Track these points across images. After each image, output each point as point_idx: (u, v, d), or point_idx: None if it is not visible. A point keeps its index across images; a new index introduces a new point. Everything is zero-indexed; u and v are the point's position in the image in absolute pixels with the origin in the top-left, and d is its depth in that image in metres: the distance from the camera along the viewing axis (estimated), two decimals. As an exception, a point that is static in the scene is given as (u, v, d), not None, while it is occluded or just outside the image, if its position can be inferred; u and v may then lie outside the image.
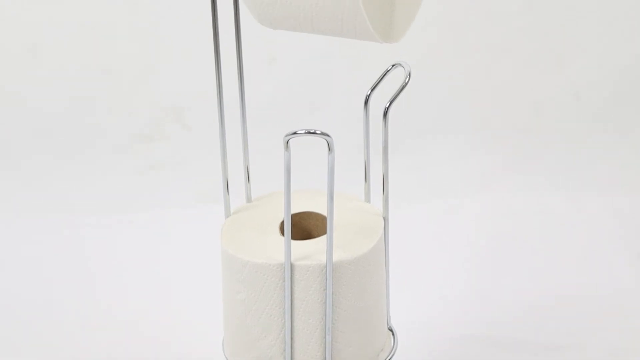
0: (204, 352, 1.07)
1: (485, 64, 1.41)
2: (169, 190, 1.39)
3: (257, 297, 0.79)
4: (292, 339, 0.79)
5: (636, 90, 1.42)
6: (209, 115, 1.14)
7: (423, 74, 1.34)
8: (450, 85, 1.41)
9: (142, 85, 1.40)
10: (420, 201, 1.36)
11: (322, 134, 0.71)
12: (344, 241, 0.80)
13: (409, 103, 1.33)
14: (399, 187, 1.22)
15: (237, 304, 0.81)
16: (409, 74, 0.80)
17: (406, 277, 1.18)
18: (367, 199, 0.88)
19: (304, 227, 0.86)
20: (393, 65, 0.83)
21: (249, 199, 0.89)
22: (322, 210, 0.85)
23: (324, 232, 0.83)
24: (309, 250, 0.79)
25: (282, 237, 0.81)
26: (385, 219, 0.84)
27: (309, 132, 0.71)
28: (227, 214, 0.86)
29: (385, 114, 0.79)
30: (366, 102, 0.84)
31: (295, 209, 0.85)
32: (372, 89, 0.83)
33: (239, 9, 0.81)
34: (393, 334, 0.88)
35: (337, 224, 0.82)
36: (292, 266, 0.77)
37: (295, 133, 0.71)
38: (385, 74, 0.83)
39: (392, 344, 0.87)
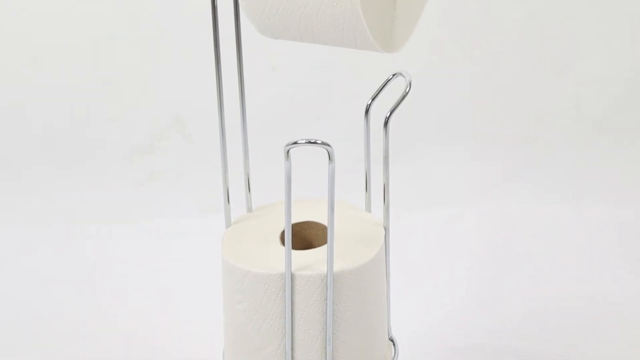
0: (205, 362, 1.07)
1: (485, 73, 1.41)
2: (169, 200, 1.39)
3: (257, 307, 0.79)
4: (292, 349, 0.79)
5: (636, 99, 1.42)
6: (209, 126, 1.15)
7: (424, 83, 1.34)
8: (451, 94, 1.42)
9: (143, 95, 1.40)
10: (421, 210, 1.36)
11: (323, 143, 0.71)
12: (344, 251, 0.80)
13: (410, 112, 1.33)
14: (400, 196, 1.22)
15: (237, 313, 0.81)
16: (410, 84, 0.80)
17: (407, 287, 1.18)
18: (368, 208, 0.88)
19: (305, 236, 0.86)
20: (394, 75, 0.83)
21: (249, 209, 0.89)
22: (322, 219, 0.85)
23: (325, 242, 0.83)
24: (310, 260, 0.79)
25: (282, 246, 0.81)
26: (386, 229, 0.84)
27: (310, 142, 0.71)
28: (228, 224, 0.86)
29: (385, 123, 0.79)
30: (367, 111, 0.84)
31: (295, 219, 0.85)
32: (373, 99, 0.83)
33: (239, 19, 0.81)
34: (394, 344, 0.88)
35: (338, 234, 0.82)
36: (292, 276, 0.77)
37: (295, 143, 0.71)
38: (385, 83, 0.83)
39: (393, 354, 0.87)
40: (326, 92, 1.41)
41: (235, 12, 0.81)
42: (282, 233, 0.83)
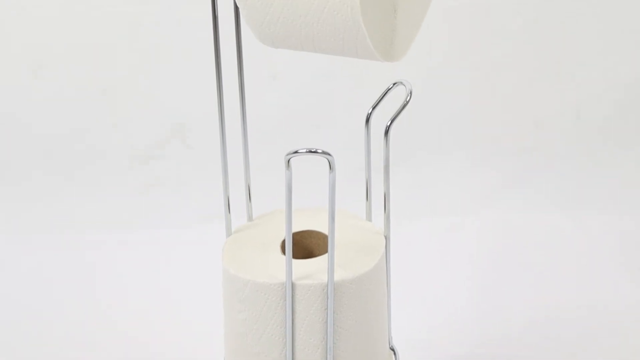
0: (205, 371, 1.07)
1: (486, 81, 1.41)
2: (170, 208, 1.39)
3: (258, 316, 0.79)
4: (293, 358, 0.79)
5: (637, 107, 1.42)
6: (210, 133, 1.15)
7: (424, 91, 1.34)
8: (451, 102, 1.42)
9: (143, 103, 1.40)
10: (422, 218, 1.36)
11: (324, 152, 0.71)
12: (345, 260, 0.80)
13: (411, 120, 1.33)
14: (401, 205, 1.22)
15: (238, 323, 0.81)
16: (410, 93, 0.80)
17: (407, 296, 1.18)
18: (369, 217, 0.88)
19: (305, 245, 0.86)
20: (394, 84, 0.83)
21: (250, 218, 0.89)
22: (323, 228, 0.85)
23: (326, 251, 0.83)
24: (311, 269, 0.79)
25: (283, 256, 0.81)
26: (387, 238, 0.83)
27: (310, 151, 0.71)
28: (229, 233, 0.86)
29: (386, 132, 0.79)
30: (367, 120, 0.84)
31: (296, 228, 0.85)
32: (374, 107, 0.84)
33: (240, 27, 0.81)
34: (395, 353, 0.88)
35: (339, 243, 0.82)
36: (293, 285, 0.77)
37: (296, 152, 0.71)
38: (386, 92, 0.83)
39: (393, 363, 0.87)
40: (327, 100, 1.41)
41: (236, 20, 0.81)
42: (283, 242, 0.83)
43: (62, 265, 1.31)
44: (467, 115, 1.42)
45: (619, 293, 1.24)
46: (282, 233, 0.84)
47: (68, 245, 1.34)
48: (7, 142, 1.41)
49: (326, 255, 0.80)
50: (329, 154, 0.71)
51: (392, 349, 0.88)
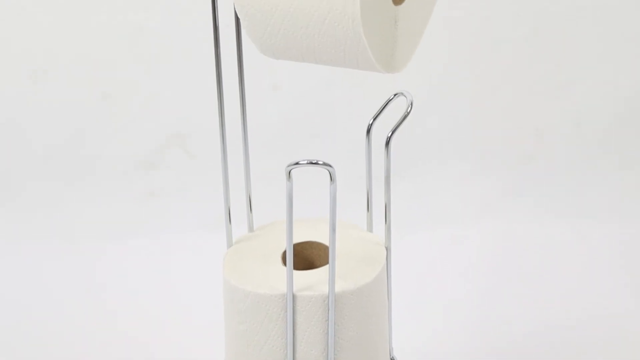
0: (206, 382, 1.07)
1: (487, 91, 1.41)
2: (170, 217, 1.39)
3: (259, 327, 0.79)
4: (294, 369, 0.79)
5: (637, 117, 1.42)
6: (211, 142, 1.15)
7: (425, 101, 1.34)
8: (452, 112, 1.42)
9: (144, 111, 1.40)
10: (423, 228, 1.36)
11: (325, 164, 0.71)
12: (346, 271, 0.80)
13: (411, 130, 1.33)
14: (402, 215, 1.22)
15: (238, 334, 0.81)
16: (411, 104, 0.80)
17: (409, 306, 1.18)
18: (370, 228, 0.88)
19: (306, 256, 0.86)
20: (395, 95, 0.83)
21: (251, 228, 0.88)
22: (324, 239, 0.85)
23: (326, 262, 0.83)
24: (311, 280, 0.79)
25: (284, 267, 0.81)
26: (388, 249, 0.83)
27: (311, 163, 0.71)
28: (229, 244, 0.86)
29: (387, 143, 0.79)
30: (368, 131, 0.84)
31: (297, 239, 0.85)
32: (374, 118, 0.83)
33: (241, 37, 0.81)
34: (396, 364, 0.88)
35: (339, 254, 0.82)
36: (294, 297, 0.77)
37: (297, 163, 0.71)
38: (387, 103, 0.83)
39: (394, 374, 0.87)
40: (327, 111, 1.41)
41: (237, 30, 0.81)
42: (284, 253, 0.83)
43: (62, 273, 1.31)
44: (468, 126, 1.42)
45: (620, 302, 1.24)
46: (283, 244, 0.84)
47: (68, 253, 1.34)
48: (8, 149, 1.41)
49: (327, 266, 0.80)
50: (330, 166, 0.71)
51: (393, 360, 0.88)
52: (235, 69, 0.83)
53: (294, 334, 0.78)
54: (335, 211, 0.73)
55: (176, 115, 1.41)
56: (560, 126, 1.42)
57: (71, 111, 1.40)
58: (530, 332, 1.19)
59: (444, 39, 1.37)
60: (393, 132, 0.79)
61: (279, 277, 0.79)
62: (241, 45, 0.82)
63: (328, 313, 0.77)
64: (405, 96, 0.81)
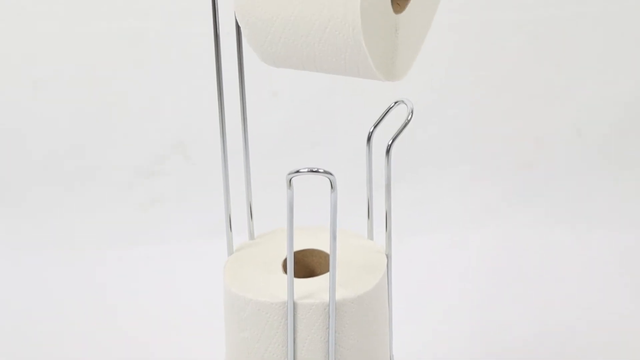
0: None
1: (487, 98, 1.41)
2: (171, 225, 1.39)
3: (259, 335, 0.79)
4: (295, 377, 0.79)
5: (637, 124, 1.42)
6: (211, 150, 1.15)
7: (425, 108, 1.35)
8: (452, 119, 1.42)
9: (145, 119, 1.41)
10: (423, 235, 1.36)
11: (325, 172, 0.71)
12: (346, 279, 0.80)
13: (412, 137, 1.33)
14: (402, 221, 1.22)
15: (239, 342, 0.81)
16: (412, 111, 0.80)
17: (409, 313, 1.17)
18: (370, 235, 0.88)
19: (307, 264, 0.86)
20: (396, 102, 0.83)
21: (251, 236, 0.88)
22: (324, 247, 0.85)
23: (327, 270, 0.83)
24: (312, 288, 0.79)
25: (285, 275, 0.81)
26: (388, 256, 0.83)
27: (312, 171, 0.71)
28: (230, 251, 0.86)
29: (388, 151, 0.79)
30: (369, 138, 0.84)
31: (297, 246, 0.85)
32: (375, 126, 0.84)
33: (242, 45, 0.81)
34: (396, 372, 0.88)
35: (340, 262, 0.82)
36: (295, 305, 0.77)
37: (298, 172, 0.71)
38: (388, 110, 0.83)
39: (395, 382, 0.87)
40: (328, 118, 1.41)
41: (237, 38, 0.81)
42: (284, 261, 0.83)
43: (63, 280, 1.31)
44: (468, 132, 1.42)
45: (620, 307, 1.24)
46: (284, 252, 0.84)
47: (69, 260, 1.34)
48: (9, 156, 1.41)
49: (328, 274, 0.80)
50: (331, 174, 0.71)
51: (394, 367, 0.88)
52: (236, 77, 0.83)
53: (294, 342, 0.78)
54: (336, 219, 0.73)
55: (177, 123, 1.41)
56: (560, 132, 1.42)
57: (72, 119, 1.40)
58: (530, 337, 1.19)
59: (443, 46, 1.37)
60: (394, 140, 0.79)
61: (279, 285, 0.79)
62: (242, 53, 0.82)
63: (329, 321, 0.77)
64: (405, 104, 0.81)
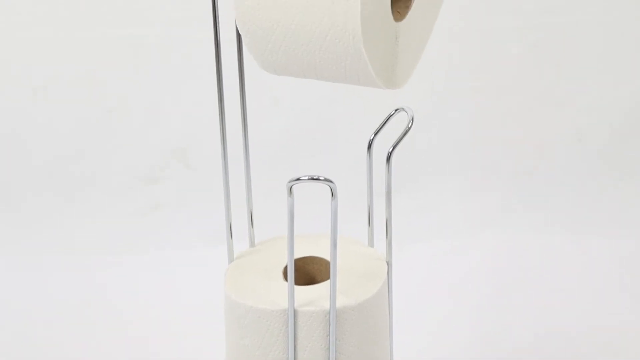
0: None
1: (487, 105, 1.41)
2: (172, 231, 1.39)
3: (260, 342, 0.79)
4: (295, 385, 0.79)
5: (637, 131, 1.42)
6: (212, 157, 1.15)
7: (426, 115, 1.35)
8: (453, 127, 1.42)
9: (146, 126, 1.41)
10: (423, 242, 1.36)
11: (326, 180, 0.71)
12: (347, 286, 0.80)
13: (412, 144, 1.33)
14: (403, 229, 1.22)
15: (240, 349, 0.81)
16: (412, 119, 0.80)
17: (409, 320, 1.17)
18: (371, 242, 0.88)
19: (308, 271, 0.86)
20: (396, 110, 0.83)
21: (252, 244, 0.89)
22: (325, 254, 0.85)
23: (328, 277, 0.83)
24: (313, 295, 0.79)
25: (285, 282, 0.81)
26: (389, 264, 0.83)
27: (313, 179, 0.71)
28: (231, 259, 0.86)
29: (388, 158, 0.79)
30: (369, 146, 0.84)
31: (298, 254, 0.85)
32: (376, 134, 0.84)
33: (242, 52, 0.81)
34: (397, 379, 0.88)
35: (341, 269, 0.82)
36: (295, 312, 0.77)
37: (298, 179, 0.71)
38: (388, 118, 0.84)
39: (396, 389, 0.87)
40: (328, 125, 1.41)
41: (238, 45, 0.81)
42: (285, 268, 0.83)
43: (62, 286, 1.31)
44: (468, 139, 1.42)
45: (619, 315, 1.24)
46: (284, 259, 0.84)
47: (68, 267, 1.34)
48: (10, 163, 1.41)
49: (328, 281, 0.80)
50: (331, 181, 0.71)
51: (395, 375, 0.88)
52: (236, 84, 0.83)
53: (295, 349, 0.78)
54: (336, 226, 0.73)
55: (178, 130, 1.41)
56: (560, 138, 1.42)
57: (73, 125, 1.40)
58: (531, 344, 1.19)
59: (444, 54, 1.38)
60: (394, 147, 0.79)
61: (280, 293, 0.79)
62: (242, 60, 0.82)
63: (329, 328, 0.77)
64: (406, 112, 0.81)
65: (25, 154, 1.41)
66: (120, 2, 1.37)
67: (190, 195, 1.41)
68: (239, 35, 0.80)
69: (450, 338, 1.20)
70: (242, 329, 0.80)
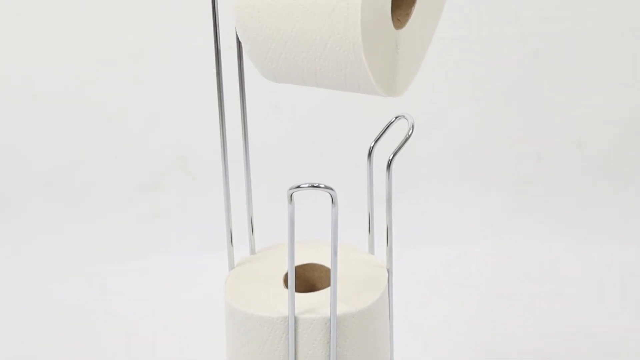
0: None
1: (487, 113, 1.41)
2: (172, 239, 1.39)
3: (261, 350, 0.79)
4: (296, 392, 0.79)
5: (638, 139, 1.42)
6: (213, 164, 1.15)
7: (426, 122, 1.35)
8: (453, 134, 1.42)
9: (146, 133, 1.41)
10: (424, 249, 1.36)
11: (326, 187, 0.71)
12: (347, 294, 0.80)
13: (412, 151, 1.33)
14: (403, 236, 1.22)
15: (241, 356, 0.81)
16: (412, 126, 0.80)
17: (410, 327, 1.17)
18: (371, 249, 0.88)
19: (308, 278, 0.86)
20: (396, 117, 0.83)
21: (252, 251, 0.89)
22: (326, 261, 0.85)
23: (328, 284, 0.83)
24: (313, 303, 0.79)
25: (286, 289, 0.81)
26: (389, 271, 0.83)
27: (313, 186, 0.71)
28: (231, 266, 0.86)
29: (388, 166, 0.79)
30: (370, 153, 0.84)
31: (299, 261, 0.85)
32: (376, 141, 0.84)
33: (242, 59, 0.81)
34: (397, 386, 0.88)
35: (341, 277, 0.82)
36: (296, 319, 0.77)
37: (299, 187, 0.71)
38: (388, 125, 0.84)
39: (396, 397, 0.87)
40: (329, 132, 1.41)
41: (238, 53, 0.81)
42: (285, 275, 0.83)
43: (63, 294, 1.31)
44: (469, 147, 1.42)
45: (620, 323, 1.24)
46: (285, 266, 0.84)
47: (69, 275, 1.34)
48: (10, 171, 1.41)
49: (329, 288, 0.80)
50: (332, 189, 0.71)
51: (395, 382, 0.88)
52: (236, 90, 0.83)
53: (295, 357, 0.78)
54: (336, 234, 0.73)
55: (178, 137, 1.41)
56: (560, 148, 1.42)
57: (73, 133, 1.40)
58: (530, 351, 1.19)
59: (444, 61, 1.38)
60: (394, 154, 0.79)
61: (280, 300, 0.79)
62: (243, 67, 0.82)
63: (330, 335, 0.77)
64: (406, 119, 0.81)
65: (26, 161, 1.41)
66: (121, 10, 1.37)
67: (190, 202, 1.41)
68: (239, 42, 0.80)
69: (451, 345, 1.20)
70: (243, 336, 0.80)
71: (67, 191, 1.41)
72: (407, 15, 0.76)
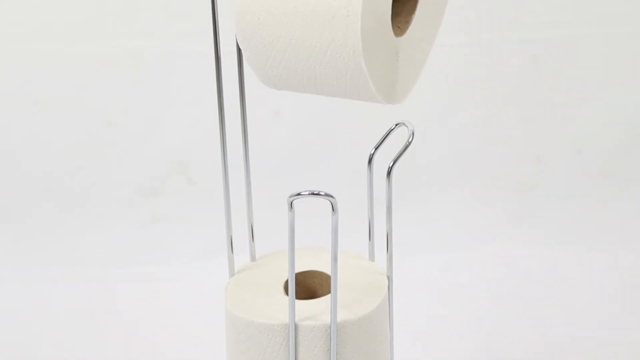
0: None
1: (487, 118, 1.41)
2: (172, 245, 1.39)
3: (261, 357, 0.79)
4: (296, 399, 0.79)
5: (638, 144, 1.42)
6: (213, 170, 1.15)
7: (426, 128, 1.35)
8: (453, 139, 1.42)
9: (146, 139, 1.41)
10: (424, 256, 1.36)
11: (326, 195, 0.71)
12: (348, 301, 0.80)
13: (413, 158, 1.33)
14: (403, 243, 1.21)
15: (241, 363, 0.81)
16: (413, 134, 0.80)
17: (411, 334, 1.17)
18: (371, 256, 0.88)
19: (308, 285, 0.86)
20: (397, 125, 0.83)
21: (253, 258, 0.89)
22: (326, 268, 0.85)
23: (328, 291, 0.83)
24: (313, 310, 0.79)
25: (286, 296, 0.81)
26: (389, 278, 0.83)
27: (313, 194, 0.71)
28: (231, 273, 0.86)
29: (389, 173, 0.79)
30: (370, 160, 0.84)
31: (299, 268, 0.85)
32: (376, 148, 0.84)
33: (242, 65, 0.81)
34: (398, 393, 0.87)
35: (341, 284, 0.82)
36: (296, 326, 0.77)
37: (299, 194, 0.71)
38: (388, 133, 0.84)
39: (397, 404, 0.87)
40: (329, 138, 1.41)
41: (238, 59, 0.81)
42: (286, 282, 0.83)
43: (63, 300, 1.31)
44: (469, 153, 1.42)
45: (620, 329, 1.24)
46: (285, 273, 0.84)
47: (69, 280, 1.34)
48: (11, 176, 1.41)
49: (329, 295, 0.80)
50: (332, 197, 0.71)
51: (395, 389, 0.88)
52: (237, 96, 0.83)
53: (296, 364, 0.78)
54: (337, 241, 0.73)
55: (178, 143, 1.41)
56: (560, 154, 1.42)
57: (73, 138, 1.40)
58: (531, 357, 1.19)
59: (444, 68, 1.38)
60: (394, 162, 0.79)
61: (281, 307, 0.79)
62: (243, 73, 0.82)
63: (330, 342, 0.77)
64: (406, 126, 0.81)
65: (26, 166, 1.41)
66: (121, 15, 1.37)
67: (191, 208, 1.41)
68: (239, 48, 0.80)
69: (451, 351, 1.20)
70: (243, 343, 0.80)
71: (67, 196, 1.41)
72: (408, 22, 0.76)
